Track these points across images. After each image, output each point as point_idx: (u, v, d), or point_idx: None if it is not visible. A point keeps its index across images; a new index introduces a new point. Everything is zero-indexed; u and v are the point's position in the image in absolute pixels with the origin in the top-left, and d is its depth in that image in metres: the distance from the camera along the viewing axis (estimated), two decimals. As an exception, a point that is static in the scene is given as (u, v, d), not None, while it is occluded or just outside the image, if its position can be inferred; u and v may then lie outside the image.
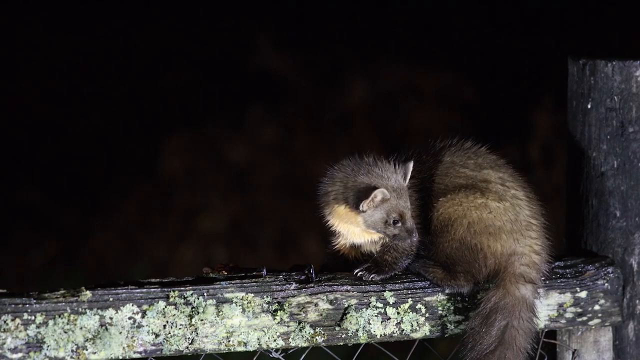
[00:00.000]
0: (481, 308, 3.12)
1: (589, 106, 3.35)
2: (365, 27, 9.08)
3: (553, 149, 7.81)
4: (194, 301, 2.99)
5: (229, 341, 3.02)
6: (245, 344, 3.04)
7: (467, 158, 3.21)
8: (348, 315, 3.09)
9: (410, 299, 3.14)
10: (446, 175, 3.20)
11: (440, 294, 3.16)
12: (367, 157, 3.13)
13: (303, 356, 3.21)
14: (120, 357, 2.96)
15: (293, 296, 3.06)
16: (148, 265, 8.15)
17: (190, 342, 3.00)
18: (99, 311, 2.93)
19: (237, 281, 3.04)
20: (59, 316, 2.90)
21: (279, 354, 3.11)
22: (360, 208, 3.08)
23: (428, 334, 3.16)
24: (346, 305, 3.10)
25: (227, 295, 3.02)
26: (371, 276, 3.13)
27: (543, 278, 3.18)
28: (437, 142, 3.25)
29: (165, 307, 2.97)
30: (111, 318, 2.94)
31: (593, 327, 3.28)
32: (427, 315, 3.15)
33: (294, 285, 3.07)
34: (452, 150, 3.22)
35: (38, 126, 8.86)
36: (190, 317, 2.99)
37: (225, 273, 3.08)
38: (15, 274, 8.13)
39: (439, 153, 3.22)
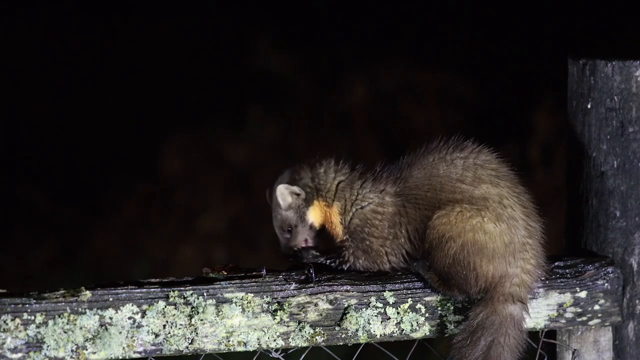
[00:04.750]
0: (468, 323, 3.11)
1: (589, 106, 3.35)
2: (365, 27, 9.08)
3: (553, 149, 7.81)
4: (194, 301, 2.99)
5: (229, 341, 3.03)
6: (245, 344, 3.04)
7: (464, 169, 3.15)
8: (348, 315, 3.09)
9: (410, 299, 3.14)
10: (442, 190, 3.14)
11: (439, 294, 3.16)
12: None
13: (303, 356, 3.21)
14: (120, 357, 2.96)
15: (293, 296, 3.06)
16: (148, 265, 8.15)
17: (190, 342, 3.00)
18: (99, 311, 2.93)
19: (237, 281, 3.04)
20: (59, 316, 2.90)
21: (279, 354, 3.11)
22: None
23: (428, 334, 3.16)
24: (346, 305, 3.10)
25: (227, 295, 3.02)
26: (320, 259, 3.18)
27: (531, 296, 3.18)
28: (433, 148, 3.18)
29: (165, 307, 2.97)
30: (111, 318, 2.94)
31: (593, 327, 3.28)
32: (427, 315, 3.15)
33: (293, 285, 3.07)
34: (449, 160, 3.16)
35: (38, 126, 8.86)
36: (190, 317, 2.99)
37: (225, 273, 3.08)
38: (15, 274, 8.13)
39: (434, 165, 3.16)
